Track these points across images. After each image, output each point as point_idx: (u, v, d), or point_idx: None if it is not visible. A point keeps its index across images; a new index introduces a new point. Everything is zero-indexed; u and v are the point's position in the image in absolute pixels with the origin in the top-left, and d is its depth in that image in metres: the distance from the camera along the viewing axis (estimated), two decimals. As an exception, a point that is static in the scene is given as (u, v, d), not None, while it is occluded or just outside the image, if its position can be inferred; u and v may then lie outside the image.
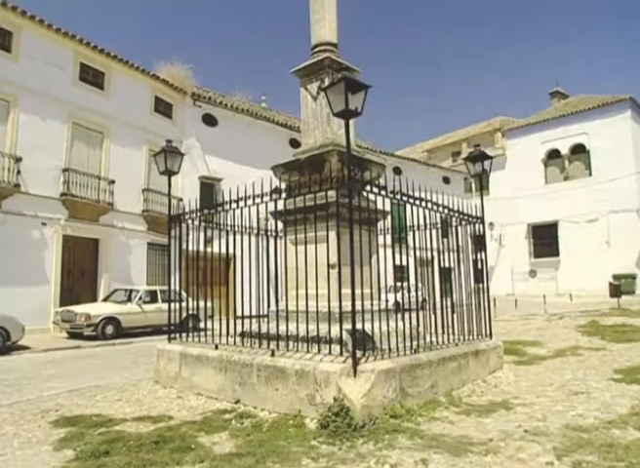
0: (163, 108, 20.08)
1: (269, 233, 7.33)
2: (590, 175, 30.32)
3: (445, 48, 76.64)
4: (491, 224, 30.60)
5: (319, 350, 5.33)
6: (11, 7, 15.05)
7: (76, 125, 16.81)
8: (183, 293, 7.80)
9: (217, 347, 6.29)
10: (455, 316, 6.84)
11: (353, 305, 4.83)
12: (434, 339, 6.31)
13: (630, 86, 76.58)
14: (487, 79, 74.86)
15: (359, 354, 4.92)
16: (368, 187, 5.44)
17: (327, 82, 6.28)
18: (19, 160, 14.91)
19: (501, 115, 38.43)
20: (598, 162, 29.80)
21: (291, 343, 5.80)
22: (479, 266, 7.33)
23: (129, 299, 14.85)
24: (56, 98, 16.20)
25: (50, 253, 15.68)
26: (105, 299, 15.63)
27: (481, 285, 7.24)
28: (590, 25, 68.35)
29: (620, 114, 29.40)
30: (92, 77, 17.54)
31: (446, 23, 75.36)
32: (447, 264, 6.84)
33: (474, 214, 7.33)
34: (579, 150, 31.05)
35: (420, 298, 6.61)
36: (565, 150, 31.43)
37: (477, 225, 7.38)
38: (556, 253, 30.92)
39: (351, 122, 5.23)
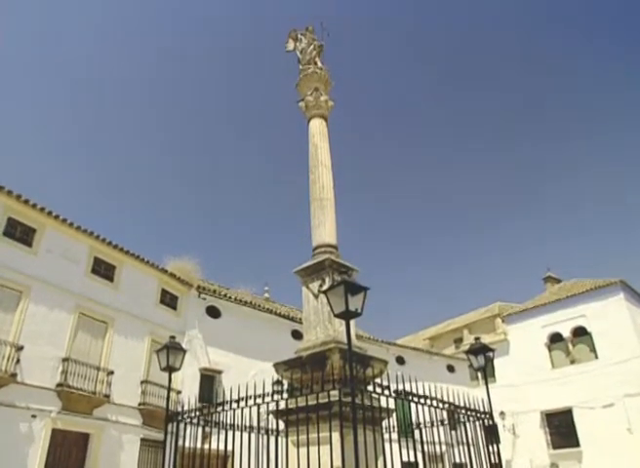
0: (168, 300, 20.57)
1: (270, 431, 7.05)
2: (597, 357, 29.62)
3: (439, 243, 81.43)
4: (502, 414, 29.04)
5: None
6: (39, 208, 16.41)
7: (82, 315, 17.09)
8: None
9: None
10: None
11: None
12: None
13: (619, 267, 79.61)
14: (481, 264, 78.23)
15: None
16: (371, 387, 5.41)
17: (327, 281, 6.65)
18: (20, 349, 14.80)
19: (499, 300, 39.07)
20: (602, 344, 29.36)
21: None
22: (493, 460, 6.86)
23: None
24: (66, 290, 16.72)
25: (35, 450, 14.56)
26: (87, 505, 14.22)
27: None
28: (577, 214, 73.62)
29: (613, 297, 29.85)
30: (103, 270, 18.33)
31: (438, 219, 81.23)
32: (458, 459, 6.43)
33: (481, 406, 7.09)
34: (580, 333, 30.84)
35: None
36: (567, 333, 31.22)
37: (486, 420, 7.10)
38: (576, 444, 28.66)
39: (352, 320, 5.42)
